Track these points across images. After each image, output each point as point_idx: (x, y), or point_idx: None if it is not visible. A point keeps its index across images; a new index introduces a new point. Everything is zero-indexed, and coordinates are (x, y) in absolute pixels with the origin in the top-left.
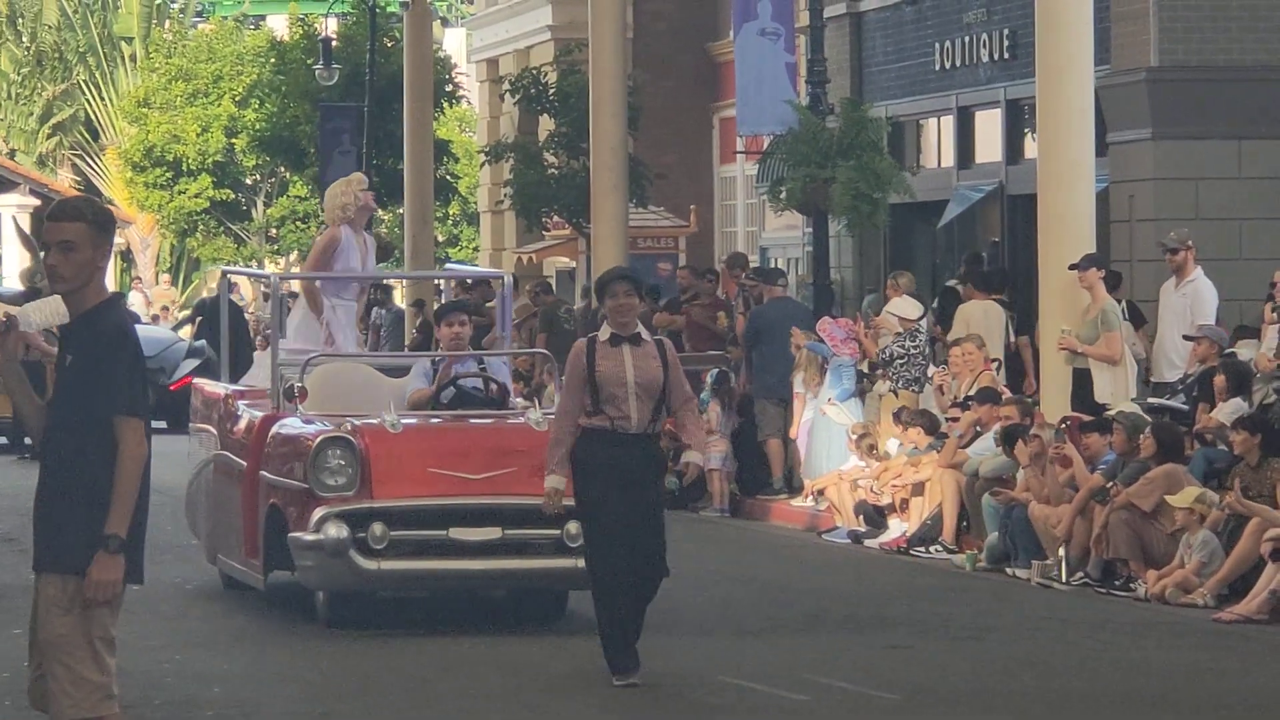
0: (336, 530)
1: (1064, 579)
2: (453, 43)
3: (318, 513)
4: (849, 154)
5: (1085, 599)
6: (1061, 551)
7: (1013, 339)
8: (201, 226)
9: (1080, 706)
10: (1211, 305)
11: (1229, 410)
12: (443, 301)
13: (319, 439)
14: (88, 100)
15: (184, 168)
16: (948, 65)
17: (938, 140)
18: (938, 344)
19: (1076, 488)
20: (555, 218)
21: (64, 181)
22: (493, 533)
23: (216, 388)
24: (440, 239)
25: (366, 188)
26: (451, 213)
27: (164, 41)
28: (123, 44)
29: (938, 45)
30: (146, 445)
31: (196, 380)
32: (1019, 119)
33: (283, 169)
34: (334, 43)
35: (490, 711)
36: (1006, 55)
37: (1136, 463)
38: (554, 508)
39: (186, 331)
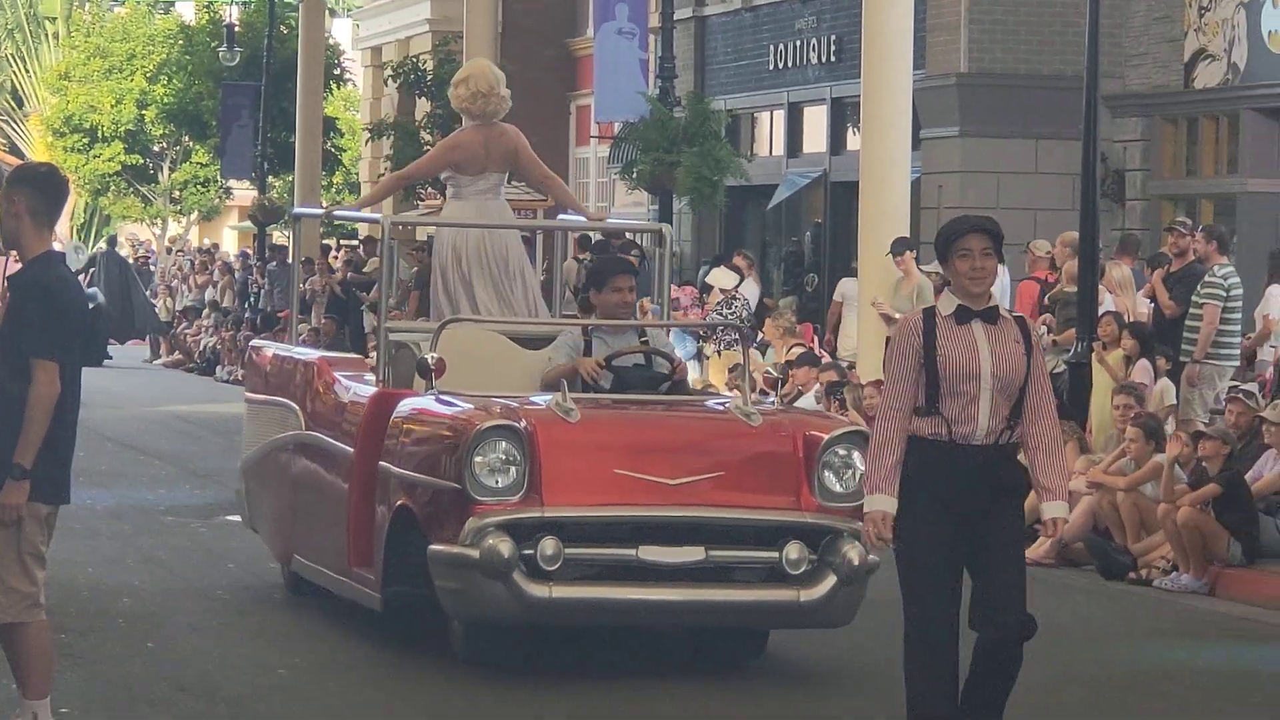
0: (498, 544)
1: None
2: (341, 32)
3: (472, 521)
4: (693, 141)
5: None
6: None
7: None
8: (113, 187)
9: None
10: (1005, 290)
11: None
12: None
13: (479, 426)
14: (14, 72)
15: (99, 135)
16: (780, 65)
17: (770, 132)
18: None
19: None
20: (430, 189)
21: None
22: (694, 553)
23: (298, 353)
24: (325, 205)
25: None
26: (335, 181)
27: (84, 22)
28: (47, 23)
29: (772, 47)
30: (58, 385)
31: (255, 342)
32: (842, 115)
33: (187, 138)
34: (236, 28)
35: None
36: (833, 58)
37: None
38: (880, 539)
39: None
